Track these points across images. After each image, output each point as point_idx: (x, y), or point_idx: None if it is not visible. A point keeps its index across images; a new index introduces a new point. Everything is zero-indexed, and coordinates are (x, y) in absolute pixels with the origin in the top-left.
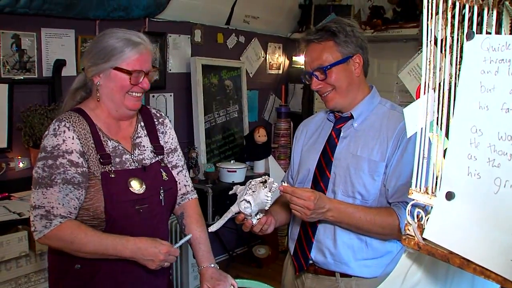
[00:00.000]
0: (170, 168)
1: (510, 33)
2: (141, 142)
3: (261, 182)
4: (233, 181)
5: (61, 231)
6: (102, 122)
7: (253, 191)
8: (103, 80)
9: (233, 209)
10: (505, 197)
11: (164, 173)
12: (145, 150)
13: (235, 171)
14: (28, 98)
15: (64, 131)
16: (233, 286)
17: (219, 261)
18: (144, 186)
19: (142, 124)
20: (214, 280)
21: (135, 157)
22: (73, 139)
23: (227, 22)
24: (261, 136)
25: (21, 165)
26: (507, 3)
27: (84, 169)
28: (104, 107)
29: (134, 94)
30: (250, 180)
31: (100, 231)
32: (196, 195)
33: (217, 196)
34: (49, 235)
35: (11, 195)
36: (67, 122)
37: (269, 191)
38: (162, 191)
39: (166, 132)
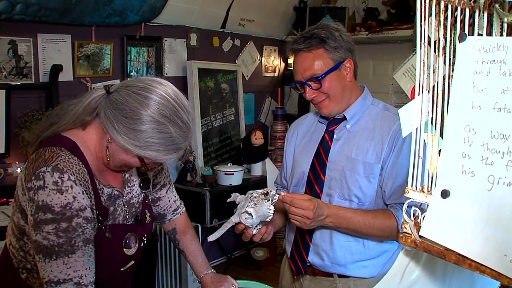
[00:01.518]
0: (156, 191)
1: (501, 35)
2: (131, 176)
3: (263, 194)
4: (231, 184)
5: None
6: (97, 164)
7: (255, 204)
8: (115, 146)
9: (233, 219)
10: (498, 194)
11: (147, 215)
12: (134, 185)
13: (233, 174)
14: (25, 103)
15: (72, 186)
16: (234, 286)
17: (218, 263)
18: (137, 245)
19: None
20: (215, 282)
21: (125, 197)
22: (82, 193)
23: (222, 26)
24: (257, 138)
25: (19, 170)
26: (497, 5)
27: (95, 222)
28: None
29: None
30: (252, 192)
31: None
32: (184, 208)
33: (214, 199)
34: None
35: (9, 200)
36: (71, 174)
37: (272, 204)
38: (144, 238)
39: None
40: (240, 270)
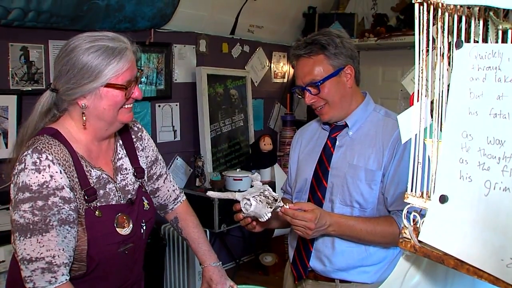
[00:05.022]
0: (153, 182)
1: (496, 42)
2: (123, 165)
3: (272, 198)
4: (239, 189)
5: None
6: (82, 147)
7: (260, 200)
8: (91, 101)
9: (237, 196)
10: (495, 199)
11: (145, 202)
12: (127, 173)
13: (241, 180)
14: None
15: (49, 165)
16: None
17: (226, 269)
18: (131, 225)
19: (121, 142)
20: (212, 282)
21: (118, 184)
22: (60, 173)
23: (231, 32)
24: (266, 144)
25: None
26: (491, 13)
27: (75, 203)
28: (90, 131)
29: (127, 106)
30: (267, 189)
31: None
32: (184, 197)
33: (223, 205)
34: None
35: None
36: (49, 154)
37: (271, 211)
38: (143, 224)
39: (145, 146)
40: (248, 275)
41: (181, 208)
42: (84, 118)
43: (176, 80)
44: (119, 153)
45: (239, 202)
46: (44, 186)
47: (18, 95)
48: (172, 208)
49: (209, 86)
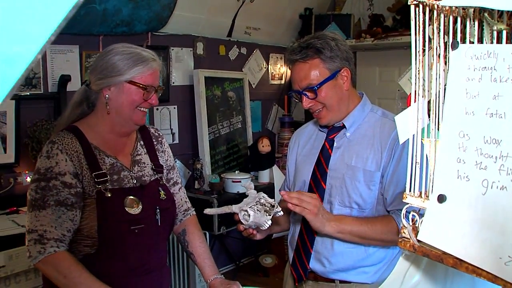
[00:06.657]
0: (169, 186)
1: (491, 42)
2: (141, 159)
3: (270, 205)
4: (238, 191)
5: (58, 259)
6: (100, 139)
7: (257, 210)
8: (113, 93)
9: (234, 209)
10: (492, 198)
11: (162, 192)
12: (145, 167)
13: (240, 181)
14: (35, 113)
15: (57, 154)
16: None
17: (226, 271)
18: (140, 206)
19: (142, 143)
20: (224, 285)
21: (134, 173)
22: (66, 161)
23: (228, 34)
24: (265, 146)
25: (28, 179)
26: (486, 14)
27: (78, 189)
28: (108, 122)
29: (142, 109)
30: (262, 196)
31: (94, 276)
32: (194, 212)
33: (222, 207)
34: (45, 260)
35: (19, 209)
36: (59, 144)
37: (271, 218)
38: (158, 210)
39: (165, 151)
40: (248, 277)
41: (190, 221)
42: (108, 107)
43: (173, 83)
44: (139, 150)
45: (236, 214)
46: (49, 170)
47: (16, 100)
48: (181, 219)
49: (206, 89)
